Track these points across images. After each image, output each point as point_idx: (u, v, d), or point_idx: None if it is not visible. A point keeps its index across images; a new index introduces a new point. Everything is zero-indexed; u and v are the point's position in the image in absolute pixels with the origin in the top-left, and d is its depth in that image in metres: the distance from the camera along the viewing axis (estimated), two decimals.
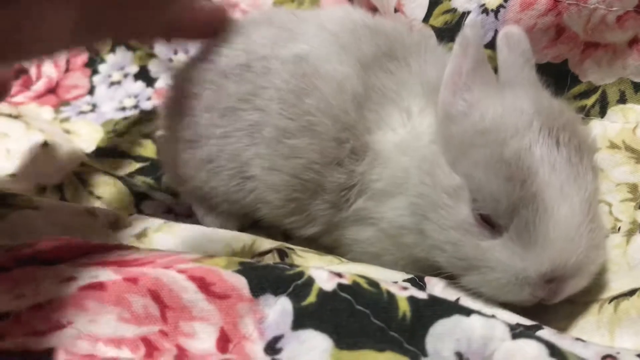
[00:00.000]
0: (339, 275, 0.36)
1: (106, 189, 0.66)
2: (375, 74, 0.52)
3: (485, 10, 0.57)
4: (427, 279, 0.48)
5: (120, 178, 0.68)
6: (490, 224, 0.44)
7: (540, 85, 0.51)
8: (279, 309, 0.34)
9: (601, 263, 0.45)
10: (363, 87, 0.51)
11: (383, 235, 0.50)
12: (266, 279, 0.34)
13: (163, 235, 0.49)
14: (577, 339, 0.39)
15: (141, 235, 0.48)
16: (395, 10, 0.62)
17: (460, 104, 0.46)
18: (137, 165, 0.71)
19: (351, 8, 0.61)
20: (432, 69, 0.52)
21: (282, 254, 0.49)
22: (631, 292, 0.44)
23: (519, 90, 0.47)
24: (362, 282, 0.36)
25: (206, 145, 0.55)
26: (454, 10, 0.59)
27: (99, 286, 0.33)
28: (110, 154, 0.73)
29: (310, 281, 0.35)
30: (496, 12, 0.56)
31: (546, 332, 0.40)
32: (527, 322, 0.42)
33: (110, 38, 0.54)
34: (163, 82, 0.79)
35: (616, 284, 0.46)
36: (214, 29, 0.55)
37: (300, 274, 0.35)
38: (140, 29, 0.52)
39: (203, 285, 0.34)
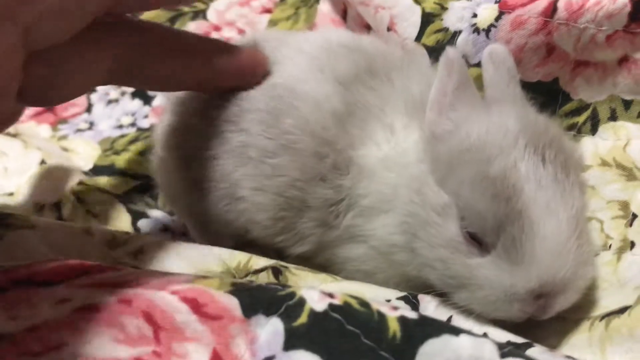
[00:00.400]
0: (330, 295, 0.36)
1: (103, 207, 0.67)
2: (357, 91, 0.52)
3: (476, 30, 0.57)
4: (420, 296, 0.48)
5: (117, 196, 0.68)
6: (477, 241, 0.44)
7: (526, 101, 0.52)
8: (270, 330, 0.34)
9: (590, 279, 0.45)
10: (344, 104, 0.52)
11: (375, 253, 0.50)
12: (258, 300, 0.35)
13: (159, 252, 0.49)
14: (568, 356, 0.40)
15: (138, 252, 0.49)
16: (388, 29, 0.63)
17: (446, 124, 0.47)
18: (134, 183, 0.72)
19: (330, 30, 0.62)
20: (416, 84, 0.52)
21: (277, 271, 0.50)
22: (622, 310, 0.44)
23: (504, 108, 0.48)
24: (353, 302, 0.36)
25: (196, 166, 0.56)
26: (445, 29, 0.60)
27: (94, 308, 0.33)
28: (108, 172, 0.73)
29: (301, 301, 0.35)
30: (487, 31, 0.57)
31: (537, 350, 0.40)
32: (519, 339, 0.42)
33: (145, 87, 0.53)
34: (160, 100, 0.80)
35: (607, 302, 0.46)
36: (255, 75, 0.53)
37: (292, 295, 0.36)
38: (176, 79, 0.51)
39: (196, 306, 0.34)
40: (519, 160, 0.44)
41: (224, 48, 0.53)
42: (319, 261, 0.54)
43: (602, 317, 0.45)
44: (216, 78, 0.52)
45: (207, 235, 0.60)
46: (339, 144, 0.51)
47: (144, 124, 0.79)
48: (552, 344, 0.45)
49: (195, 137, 0.56)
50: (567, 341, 0.45)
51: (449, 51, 0.47)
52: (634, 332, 0.42)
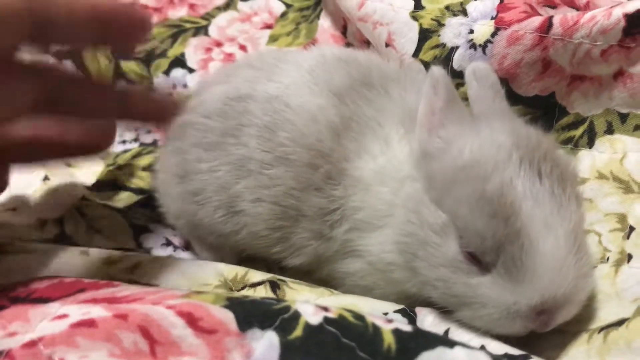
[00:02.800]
0: (325, 309, 0.37)
1: (105, 222, 0.67)
2: (353, 102, 0.53)
3: (473, 45, 0.58)
4: (417, 309, 0.48)
5: (119, 211, 0.69)
6: (478, 261, 0.44)
7: (514, 115, 0.52)
8: (265, 343, 0.34)
9: (589, 291, 0.46)
10: (339, 117, 0.52)
11: (372, 269, 0.51)
12: (253, 314, 0.35)
13: (155, 266, 0.50)
14: None
15: (134, 267, 0.49)
16: (387, 45, 0.64)
17: (436, 142, 0.47)
18: (137, 197, 0.72)
19: (327, 45, 0.63)
20: (412, 95, 0.53)
21: (274, 285, 0.50)
22: (620, 323, 0.44)
23: (494, 123, 0.48)
24: (347, 315, 0.37)
25: (194, 179, 0.56)
26: (442, 45, 0.60)
27: (90, 323, 0.33)
28: (110, 187, 0.73)
29: (296, 315, 0.35)
30: (484, 47, 0.57)
31: None
32: (516, 352, 0.42)
33: (69, 116, 0.54)
34: None
35: (605, 314, 0.46)
36: (165, 118, 0.53)
37: (287, 308, 0.36)
38: (97, 110, 0.51)
39: (191, 320, 0.34)
40: (514, 177, 0.44)
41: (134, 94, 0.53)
42: (319, 276, 0.55)
43: (600, 330, 0.45)
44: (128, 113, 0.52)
45: (211, 251, 0.61)
46: (334, 156, 0.52)
47: (147, 139, 0.79)
48: (551, 357, 0.45)
49: (191, 151, 0.56)
50: (565, 353, 0.46)
51: (434, 70, 0.48)
52: (631, 345, 0.42)
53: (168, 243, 0.67)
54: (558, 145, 0.55)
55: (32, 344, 0.32)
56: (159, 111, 0.51)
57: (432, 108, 0.48)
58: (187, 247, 0.66)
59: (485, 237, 0.43)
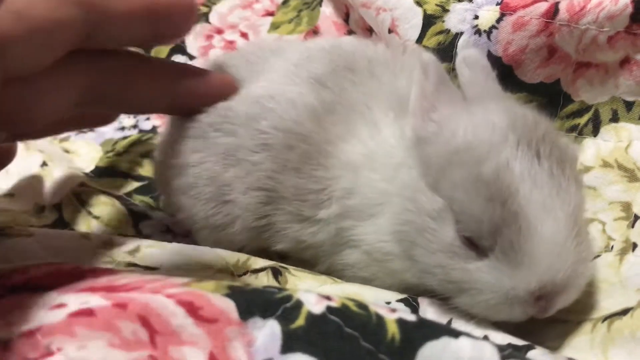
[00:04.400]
0: (328, 298, 0.36)
1: (104, 209, 0.66)
2: (338, 86, 0.53)
3: (478, 31, 0.58)
4: (420, 299, 0.48)
5: (118, 198, 0.68)
6: (475, 245, 0.43)
7: (508, 96, 0.52)
8: (267, 333, 0.34)
9: (589, 276, 0.45)
10: (319, 101, 0.52)
11: (369, 259, 0.50)
12: (254, 302, 0.35)
13: (156, 250, 0.49)
14: (570, 358, 0.40)
15: (134, 250, 0.49)
16: (390, 31, 0.63)
17: (430, 125, 0.47)
18: (136, 184, 0.72)
19: (320, 39, 0.63)
20: (403, 81, 0.52)
21: (276, 272, 0.50)
22: (624, 312, 0.44)
23: (488, 104, 0.47)
24: (351, 304, 0.36)
25: (187, 172, 0.56)
26: (447, 31, 0.60)
27: (89, 312, 0.33)
28: (109, 173, 0.73)
29: (299, 304, 0.35)
30: (489, 33, 0.57)
31: (538, 352, 0.40)
32: (520, 342, 0.42)
33: (115, 110, 0.55)
34: None
35: (609, 303, 0.46)
36: (223, 97, 0.55)
37: (289, 297, 0.35)
38: (146, 104, 0.53)
39: (192, 309, 0.34)
40: (511, 158, 0.43)
41: (192, 71, 0.55)
42: (320, 270, 0.54)
43: (604, 319, 0.44)
44: (184, 101, 0.54)
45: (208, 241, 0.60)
46: (313, 138, 0.51)
47: (146, 125, 0.79)
48: (554, 346, 0.45)
49: (187, 144, 0.56)
50: (568, 343, 0.45)
51: (424, 55, 0.47)
52: (636, 334, 0.42)
53: (167, 230, 0.67)
54: (555, 126, 0.54)
55: (30, 333, 0.32)
56: (214, 94, 0.53)
57: (424, 92, 0.47)
58: (186, 234, 0.66)
59: (481, 221, 0.42)
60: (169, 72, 0.53)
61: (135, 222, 0.67)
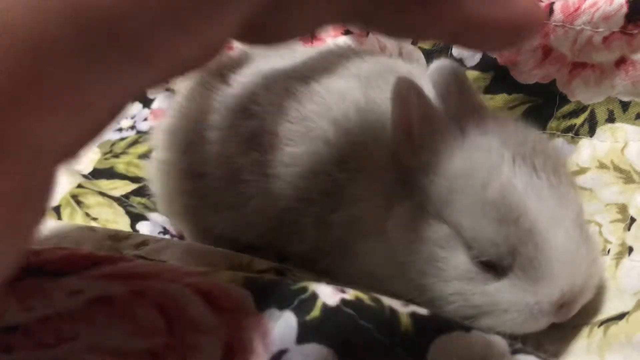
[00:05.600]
0: (342, 291, 0.36)
1: (102, 210, 0.66)
2: (379, 88, 0.51)
3: None
4: None
5: (116, 199, 0.68)
6: (492, 267, 0.44)
7: (487, 109, 0.50)
8: (283, 323, 0.34)
9: (601, 274, 0.46)
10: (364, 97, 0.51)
11: (369, 278, 0.49)
12: (271, 293, 0.35)
13: (162, 245, 0.49)
14: None
15: (141, 244, 0.48)
16: None
17: (421, 157, 0.45)
18: (133, 186, 0.71)
19: None
20: None
21: (279, 273, 0.49)
22: (620, 316, 0.44)
23: (474, 124, 0.46)
24: (365, 298, 0.36)
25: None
26: None
27: (107, 299, 0.33)
28: (107, 175, 0.73)
29: (314, 296, 0.35)
30: None
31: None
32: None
33: (382, 34, 0.40)
34: (159, 103, 0.80)
35: (605, 308, 0.47)
36: (520, 36, 0.38)
37: (305, 289, 0.35)
38: (424, 32, 0.40)
39: (209, 299, 0.34)
40: (512, 176, 0.43)
41: None
42: (318, 267, 0.54)
43: (601, 324, 0.45)
44: (471, 33, 0.38)
45: (207, 241, 0.60)
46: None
47: (144, 126, 0.79)
48: (551, 351, 0.45)
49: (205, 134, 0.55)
50: (566, 348, 0.46)
51: (400, 82, 0.45)
52: (632, 339, 0.42)
53: (165, 232, 0.67)
54: (543, 136, 0.53)
55: (48, 319, 0.32)
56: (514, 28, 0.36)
57: (407, 125, 0.45)
58: (182, 237, 0.66)
59: (498, 244, 0.42)
60: None
61: (132, 223, 0.67)
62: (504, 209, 0.42)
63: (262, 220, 0.54)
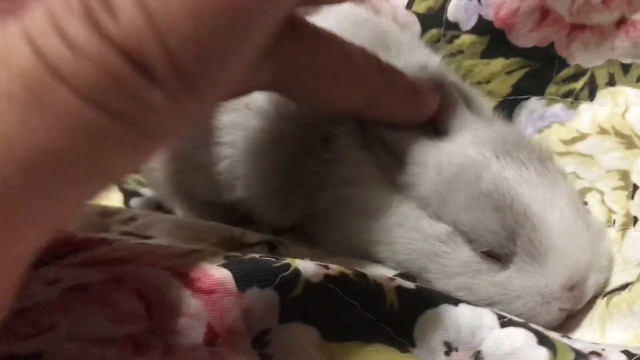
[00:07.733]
0: (326, 267, 0.36)
1: None
2: None
3: None
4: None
5: None
6: (495, 256, 0.43)
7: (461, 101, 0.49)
8: (265, 302, 0.34)
9: (609, 253, 0.46)
10: None
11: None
12: (252, 272, 0.34)
13: (152, 219, 0.49)
14: (564, 335, 0.39)
15: (130, 219, 0.48)
16: None
17: (411, 168, 0.46)
18: None
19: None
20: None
21: (272, 246, 0.49)
22: (623, 287, 0.44)
23: (456, 132, 0.46)
24: (349, 273, 0.36)
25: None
26: None
27: (84, 287, 0.32)
28: None
29: (296, 273, 0.35)
30: None
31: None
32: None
33: (299, 104, 0.45)
34: None
35: (612, 281, 0.46)
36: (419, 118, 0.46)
37: (287, 266, 0.35)
38: (333, 107, 0.44)
39: (188, 281, 0.33)
40: (501, 169, 0.44)
41: (397, 81, 0.44)
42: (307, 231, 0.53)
43: (605, 295, 0.44)
44: (374, 113, 0.45)
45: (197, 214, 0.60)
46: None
47: None
48: (560, 325, 0.45)
49: None
50: (569, 319, 0.45)
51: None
52: (633, 308, 0.42)
53: (158, 207, 0.66)
54: (520, 133, 0.53)
55: (26, 310, 0.31)
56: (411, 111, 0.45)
57: (391, 143, 0.46)
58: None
59: (496, 231, 0.43)
60: (368, 77, 0.42)
61: (126, 199, 0.67)
62: (497, 197, 0.42)
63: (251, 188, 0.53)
